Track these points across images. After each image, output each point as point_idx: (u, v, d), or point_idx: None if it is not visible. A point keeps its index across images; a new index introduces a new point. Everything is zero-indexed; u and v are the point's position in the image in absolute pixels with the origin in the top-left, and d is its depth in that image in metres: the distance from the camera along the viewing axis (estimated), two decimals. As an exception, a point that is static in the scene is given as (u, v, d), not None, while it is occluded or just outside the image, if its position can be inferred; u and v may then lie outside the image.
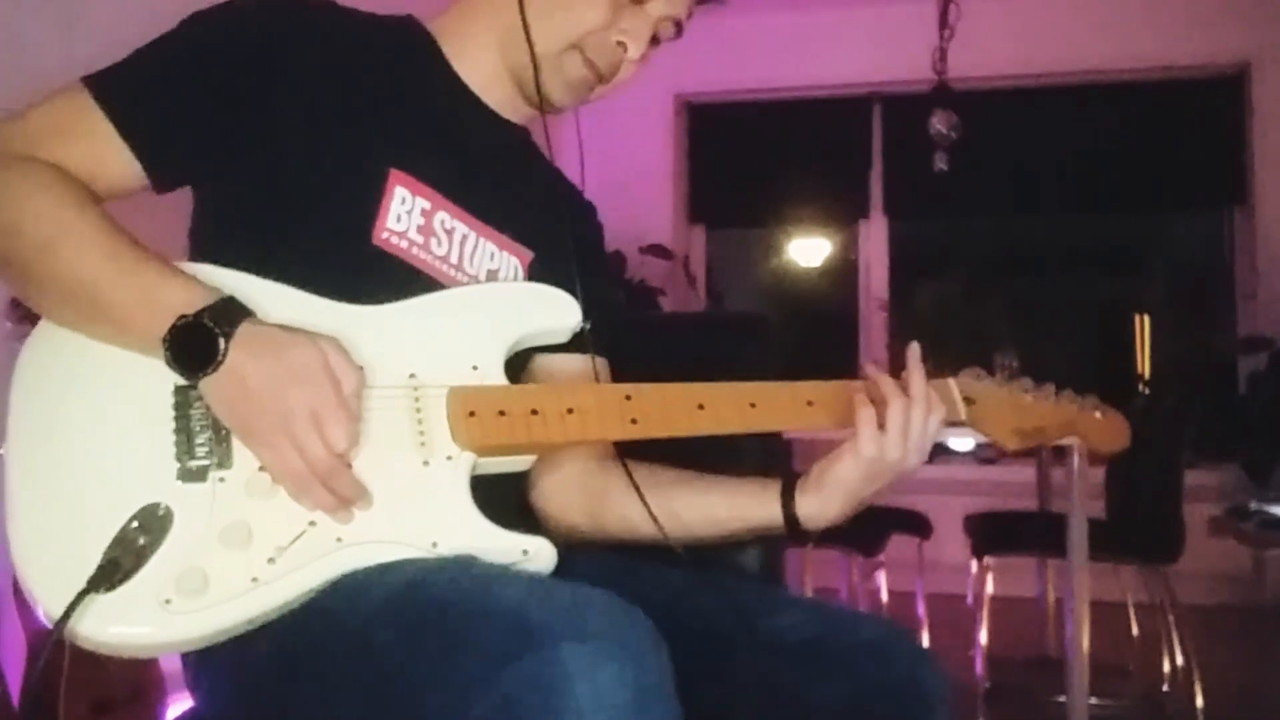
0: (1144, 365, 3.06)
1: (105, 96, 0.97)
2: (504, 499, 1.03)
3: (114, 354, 0.92)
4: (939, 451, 4.74)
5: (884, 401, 1.03)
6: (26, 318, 1.99)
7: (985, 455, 4.71)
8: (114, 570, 0.85)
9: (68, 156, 0.95)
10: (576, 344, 1.11)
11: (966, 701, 3.03)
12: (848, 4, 4.79)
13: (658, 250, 4.68)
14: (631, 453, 1.12)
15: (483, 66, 1.12)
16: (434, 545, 0.93)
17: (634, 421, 1.02)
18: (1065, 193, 4.80)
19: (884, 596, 3.89)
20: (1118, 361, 3.15)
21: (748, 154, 5.11)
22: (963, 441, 4.21)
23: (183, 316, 0.87)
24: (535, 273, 1.14)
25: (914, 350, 1.06)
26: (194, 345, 0.87)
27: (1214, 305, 4.79)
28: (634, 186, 4.94)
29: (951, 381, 1.10)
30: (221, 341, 0.87)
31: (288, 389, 0.87)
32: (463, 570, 0.88)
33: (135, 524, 0.87)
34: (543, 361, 1.14)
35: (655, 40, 1.13)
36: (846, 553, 3.39)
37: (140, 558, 0.86)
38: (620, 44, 1.09)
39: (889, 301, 5.04)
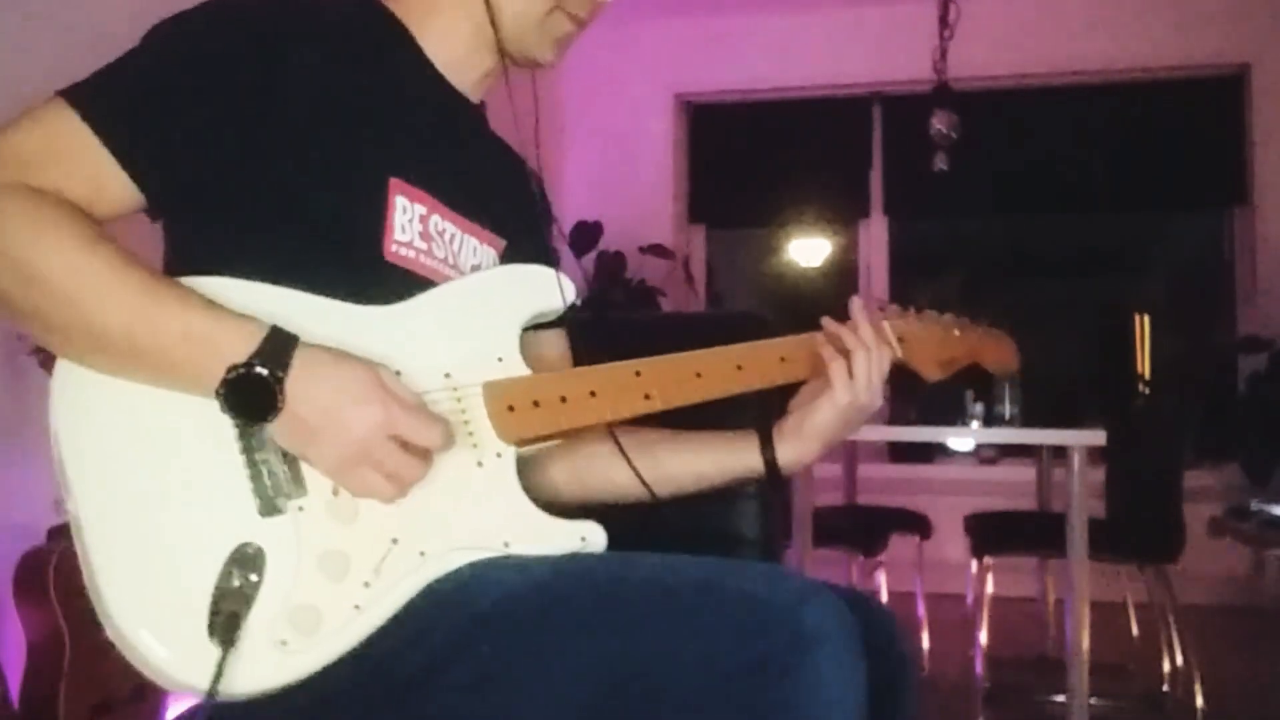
0: (1144, 365, 3.06)
1: (98, 122, 0.90)
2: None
3: (159, 397, 0.88)
4: (939, 451, 4.74)
5: (848, 352, 1.10)
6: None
7: (985, 455, 4.72)
8: (235, 624, 0.85)
9: (64, 182, 0.89)
10: (551, 322, 1.14)
11: (966, 701, 3.03)
12: (848, 4, 4.79)
13: (658, 250, 4.68)
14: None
15: (454, 45, 1.11)
16: (505, 545, 0.96)
17: (648, 396, 1.07)
18: (1065, 193, 4.80)
19: (884, 596, 3.89)
20: (1118, 361, 3.15)
21: (748, 154, 5.11)
22: (963, 442, 4.21)
23: (233, 368, 0.84)
24: (508, 259, 1.16)
25: (857, 302, 1.14)
26: (251, 397, 0.85)
27: (1214, 305, 4.79)
28: (634, 186, 4.94)
29: (886, 324, 1.16)
30: (278, 388, 0.85)
31: (350, 414, 0.87)
32: (626, 557, 0.94)
33: (230, 570, 0.87)
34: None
35: None
36: (846, 553, 3.40)
37: (247, 603, 0.86)
38: None
39: (889, 301, 5.03)
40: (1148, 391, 3.10)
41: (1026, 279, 5.43)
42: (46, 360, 1.99)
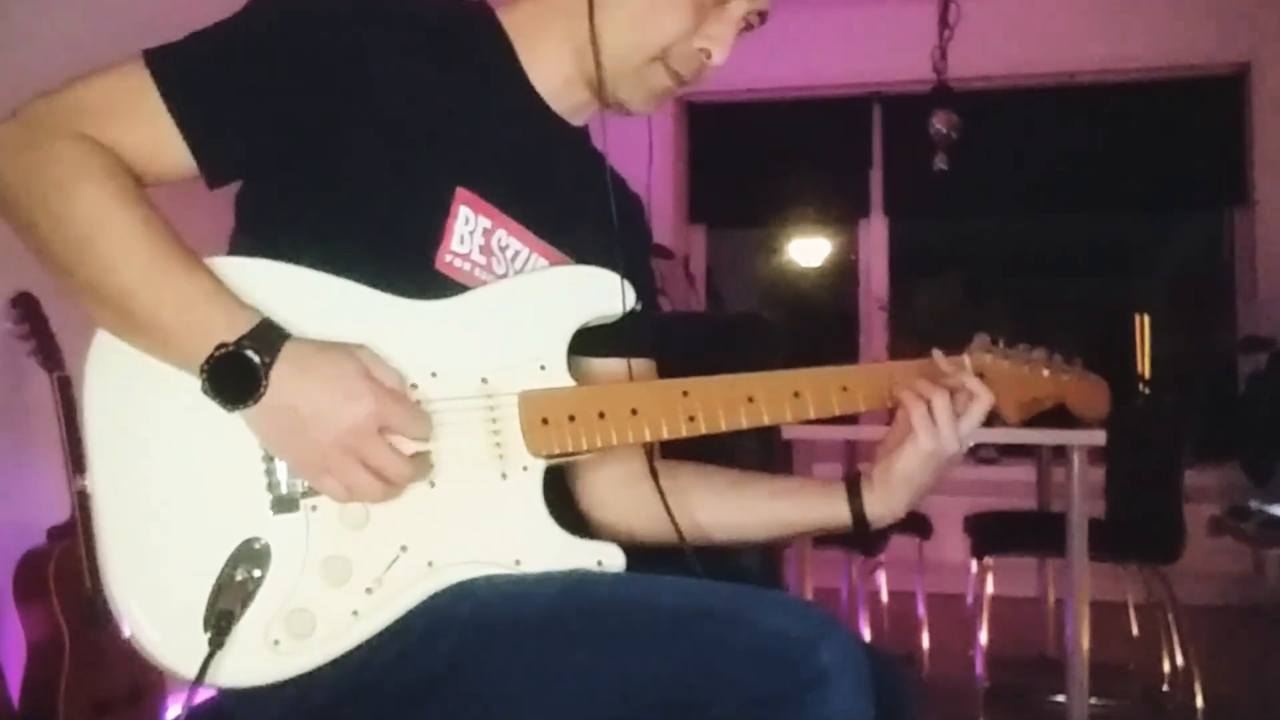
0: (1144, 365, 3.07)
1: (167, 85, 0.91)
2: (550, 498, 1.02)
3: (188, 379, 0.88)
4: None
5: (927, 397, 1.05)
6: (26, 318, 1.99)
7: (985, 455, 4.71)
8: (229, 621, 0.86)
9: (122, 140, 0.91)
10: (622, 347, 1.11)
11: (966, 701, 3.03)
12: (848, 4, 4.79)
13: (658, 250, 4.66)
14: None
15: (554, 73, 1.08)
16: (517, 563, 0.95)
17: (691, 419, 1.02)
18: (1065, 193, 4.80)
19: (884, 596, 3.89)
20: (1118, 361, 3.15)
21: (748, 154, 5.11)
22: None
23: (222, 345, 0.85)
24: None
25: (938, 354, 1.10)
26: (234, 376, 0.85)
27: (1214, 305, 4.79)
28: (634, 186, 4.93)
29: (967, 359, 1.12)
30: (261, 372, 0.85)
31: (341, 406, 0.86)
32: (639, 579, 0.93)
33: (235, 564, 0.88)
34: (588, 367, 1.12)
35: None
36: (846, 553, 3.39)
37: (246, 600, 0.87)
38: (703, 50, 1.05)
39: (889, 301, 5.04)
40: (1148, 391, 3.10)
41: (1026, 279, 5.43)
42: (46, 361, 2.00)
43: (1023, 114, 4.79)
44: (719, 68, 1.07)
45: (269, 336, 0.87)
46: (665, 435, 1.02)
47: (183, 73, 0.93)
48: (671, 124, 5.07)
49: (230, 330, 0.86)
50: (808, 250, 5.48)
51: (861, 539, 1.12)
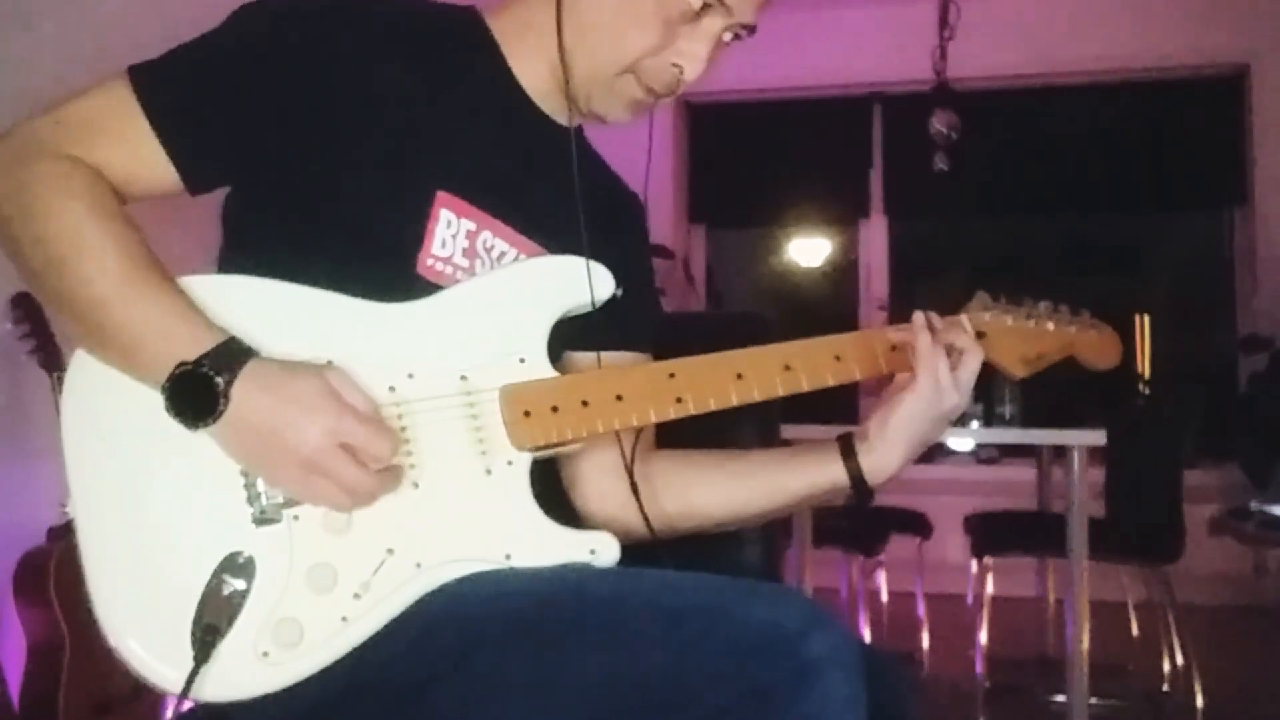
0: (1144, 365, 3.07)
1: (147, 98, 0.93)
2: (543, 488, 1.01)
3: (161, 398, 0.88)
4: (939, 451, 4.74)
5: (927, 354, 1.04)
6: (26, 318, 1.99)
7: (985, 455, 4.71)
8: (214, 635, 0.86)
9: (105, 157, 0.93)
10: (613, 338, 1.09)
11: (966, 701, 3.03)
12: (848, 4, 4.79)
13: (658, 250, 4.67)
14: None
15: (541, 74, 1.08)
16: (507, 557, 0.94)
17: (679, 400, 1.01)
18: (1065, 193, 4.80)
19: (884, 596, 3.89)
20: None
21: (748, 154, 5.11)
22: (963, 441, 4.21)
23: (181, 364, 0.85)
24: None
25: (919, 315, 1.08)
26: (193, 395, 0.86)
27: (1214, 305, 4.79)
28: (634, 186, 4.93)
29: (964, 318, 1.10)
30: (220, 391, 0.85)
31: (301, 422, 0.86)
32: (628, 574, 0.93)
33: (220, 579, 0.88)
34: (580, 360, 1.11)
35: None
36: (846, 553, 3.39)
37: (232, 614, 0.87)
38: (676, 66, 1.03)
39: (889, 301, 5.04)
40: (1148, 391, 3.11)
41: (1026, 279, 5.43)
42: (46, 360, 2.00)
43: (1023, 114, 4.80)
44: (693, 82, 1.04)
45: (231, 355, 0.87)
46: (653, 419, 1.01)
47: (163, 85, 0.95)
48: (671, 124, 5.07)
49: (192, 349, 0.86)
50: (808, 250, 5.48)
51: (861, 500, 1.09)
